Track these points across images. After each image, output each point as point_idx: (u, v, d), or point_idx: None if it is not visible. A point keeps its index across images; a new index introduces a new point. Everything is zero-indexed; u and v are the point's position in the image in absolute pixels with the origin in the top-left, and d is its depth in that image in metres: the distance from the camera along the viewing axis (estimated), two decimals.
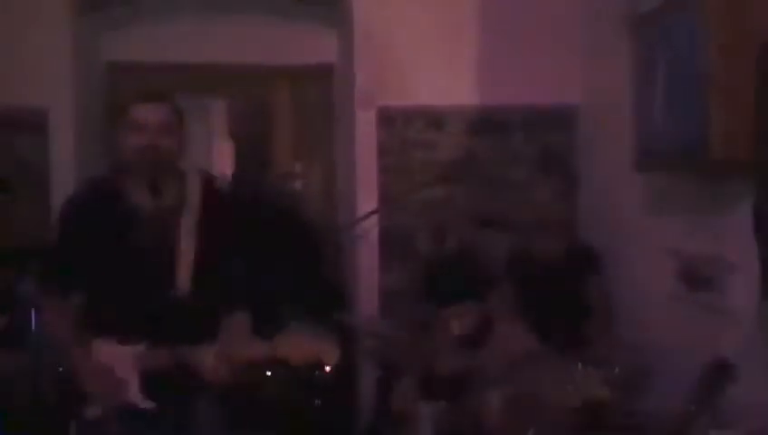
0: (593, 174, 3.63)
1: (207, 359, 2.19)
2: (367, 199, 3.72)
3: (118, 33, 3.93)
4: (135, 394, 2.20)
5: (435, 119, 3.78)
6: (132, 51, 3.89)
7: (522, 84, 3.72)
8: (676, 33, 2.48)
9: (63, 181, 3.42)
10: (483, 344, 2.58)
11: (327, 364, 2.13)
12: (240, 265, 2.32)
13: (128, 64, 3.89)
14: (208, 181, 2.36)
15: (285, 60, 4.00)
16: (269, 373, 2.60)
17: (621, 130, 3.03)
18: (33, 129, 3.56)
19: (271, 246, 2.88)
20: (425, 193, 3.72)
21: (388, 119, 3.76)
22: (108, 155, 3.63)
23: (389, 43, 3.72)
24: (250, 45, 3.94)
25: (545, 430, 2.33)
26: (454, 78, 3.74)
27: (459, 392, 2.49)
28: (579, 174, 3.69)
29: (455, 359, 2.60)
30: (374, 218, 3.66)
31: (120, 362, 2.20)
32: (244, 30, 3.94)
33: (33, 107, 3.56)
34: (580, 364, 2.25)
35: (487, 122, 3.77)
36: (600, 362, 2.31)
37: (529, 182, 3.59)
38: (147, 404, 2.20)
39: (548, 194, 3.22)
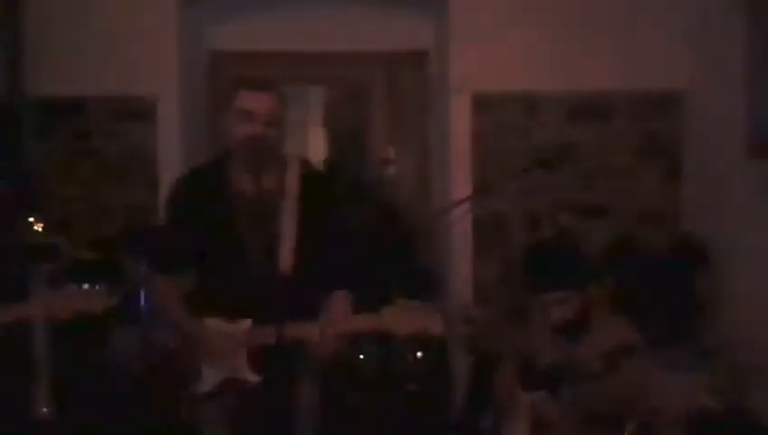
0: (700, 161, 3.49)
1: (313, 333, 2.24)
2: (461, 186, 3.72)
3: (220, 22, 4.05)
4: (242, 368, 2.29)
5: (532, 104, 3.73)
6: (233, 40, 4.00)
7: (625, 68, 3.63)
8: None
9: (171, 167, 3.57)
10: (582, 333, 2.53)
11: (432, 335, 2.15)
12: (338, 246, 2.36)
13: (230, 53, 4.00)
14: (306, 167, 2.42)
15: (381, 46, 4.03)
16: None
17: (733, 114, 2.91)
18: (143, 117, 3.72)
19: (363, 230, 2.92)
20: (520, 180, 3.68)
21: (483, 104, 3.74)
22: (212, 141, 3.76)
23: (486, 27, 3.69)
24: (347, 32, 3.98)
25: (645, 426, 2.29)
26: (552, 62, 3.68)
27: (558, 383, 2.46)
28: (684, 162, 3.56)
29: (554, 348, 2.57)
30: (468, 205, 3.66)
31: (227, 339, 2.29)
32: (340, 17, 3.98)
33: (142, 96, 3.73)
34: (685, 365, 2.19)
35: (587, 108, 3.69)
36: (704, 357, 2.24)
37: (631, 170, 3.49)
38: (253, 378, 2.28)
39: (651, 182, 3.12)
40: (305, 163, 2.45)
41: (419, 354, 3.46)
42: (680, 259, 2.96)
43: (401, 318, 2.19)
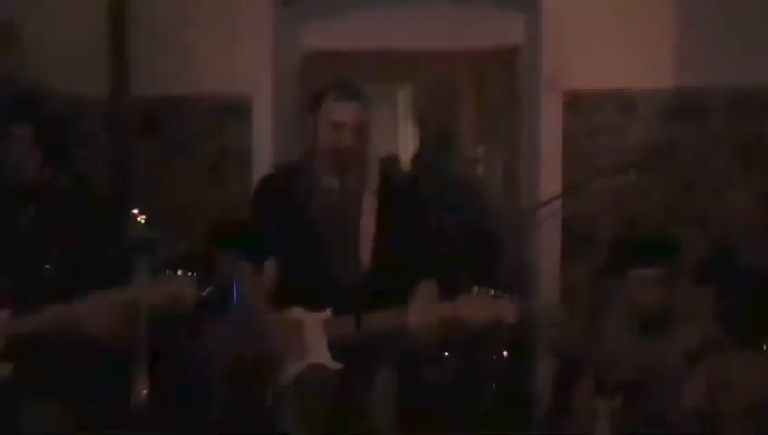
0: None
1: (403, 320, 2.26)
2: (550, 185, 3.66)
3: (312, 21, 4.12)
4: (324, 356, 2.36)
5: (625, 103, 3.62)
6: (325, 38, 4.06)
7: (724, 64, 3.46)
8: None
9: (263, 165, 3.67)
10: (668, 325, 2.43)
11: (508, 322, 2.14)
12: (419, 242, 2.38)
13: (321, 52, 4.07)
14: (389, 165, 2.48)
15: (471, 44, 4.00)
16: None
17: None
18: (238, 116, 3.84)
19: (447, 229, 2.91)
20: (612, 181, 3.58)
21: (574, 103, 3.66)
22: (303, 140, 3.84)
23: (578, 24, 3.60)
24: (436, 30, 3.98)
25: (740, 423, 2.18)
26: (646, 59, 3.56)
27: (639, 388, 2.40)
28: None
29: (635, 348, 2.49)
30: (557, 205, 3.59)
31: (309, 328, 2.35)
32: (430, 15, 3.98)
33: (237, 94, 3.84)
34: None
35: (684, 107, 3.55)
36: None
37: (732, 173, 3.33)
38: (334, 365, 2.34)
39: (753, 187, 2.97)
40: (388, 161, 2.51)
41: (505, 354, 3.43)
42: None
43: (476, 306, 2.20)
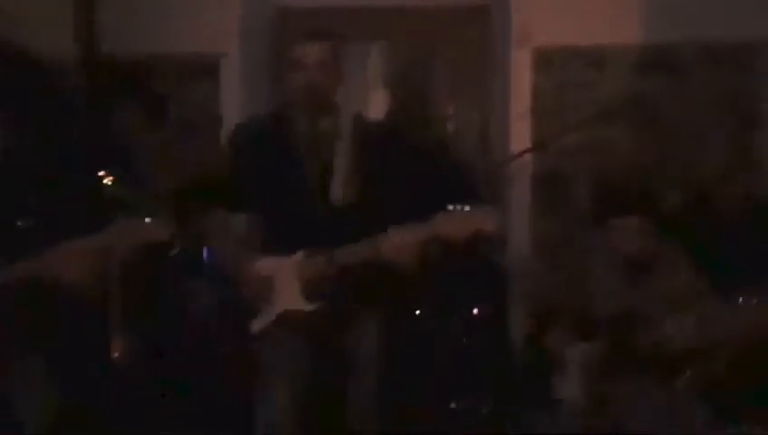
0: None
1: (376, 249, 2.26)
2: (520, 142, 3.68)
3: None
4: (297, 300, 2.36)
5: (595, 58, 3.64)
6: None
7: (696, 19, 3.49)
8: None
9: (234, 122, 3.62)
10: (648, 275, 2.48)
11: (487, 232, 2.14)
12: (391, 180, 2.41)
13: (295, 9, 4.02)
14: (361, 116, 2.51)
15: (443, 1, 3.99)
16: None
17: None
18: (208, 73, 3.80)
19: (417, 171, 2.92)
20: (583, 137, 3.62)
21: (544, 59, 3.67)
22: (275, 97, 3.82)
23: None
24: None
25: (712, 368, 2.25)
26: (617, 14, 3.57)
27: (619, 331, 2.44)
28: (760, 115, 3.43)
29: (616, 292, 2.54)
30: (527, 160, 3.62)
31: (281, 272, 2.36)
32: None
33: (206, 53, 3.80)
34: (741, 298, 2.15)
35: (655, 62, 3.58)
36: None
37: (705, 125, 3.37)
38: (308, 307, 2.35)
39: (726, 138, 3.02)
40: (359, 114, 2.52)
41: (475, 311, 3.48)
42: (754, 221, 2.86)
43: (454, 222, 2.19)
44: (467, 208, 2.19)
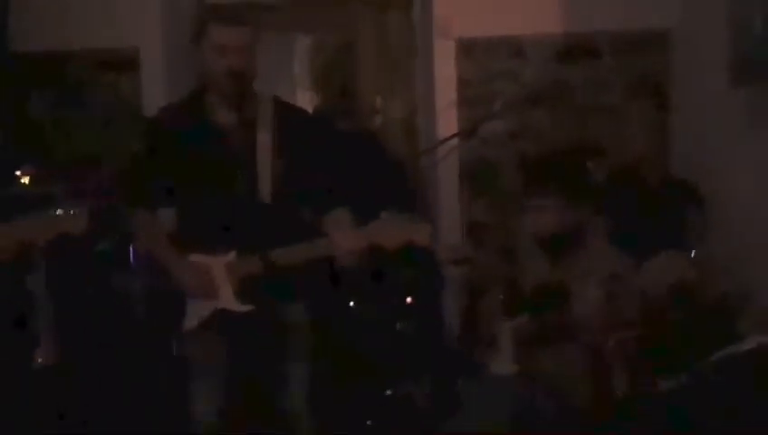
0: (687, 96, 3.52)
1: (316, 252, 2.24)
2: (447, 132, 3.73)
3: None
4: (230, 300, 2.31)
5: (517, 48, 3.73)
6: None
7: (611, 9, 3.62)
8: None
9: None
10: (569, 252, 2.57)
11: (420, 243, 2.17)
12: (319, 169, 2.38)
13: (215, 2, 3.95)
14: (281, 102, 2.45)
15: None
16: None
17: (718, 47, 2.93)
18: (128, 66, 3.70)
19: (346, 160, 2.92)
20: (508, 124, 3.70)
21: (468, 49, 3.73)
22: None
23: None
24: None
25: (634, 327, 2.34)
26: (538, 5, 3.67)
27: (542, 306, 2.51)
28: (673, 98, 3.58)
29: (537, 273, 2.61)
30: (453, 148, 3.67)
31: (211, 272, 2.30)
32: None
33: (125, 47, 3.70)
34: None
35: (573, 49, 3.69)
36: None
37: (621, 109, 3.51)
38: (241, 308, 2.30)
39: (641, 120, 3.15)
40: (279, 99, 2.47)
41: (409, 300, 3.51)
42: (673, 200, 3.00)
43: (388, 230, 2.20)
44: (401, 217, 2.20)
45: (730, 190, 3.07)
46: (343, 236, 2.26)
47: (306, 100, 4.38)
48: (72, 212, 2.14)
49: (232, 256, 2.32)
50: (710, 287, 2.40)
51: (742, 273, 2.73)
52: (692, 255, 2.40)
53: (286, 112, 2.42)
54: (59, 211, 2.14)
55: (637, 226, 2.85)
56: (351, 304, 3.40)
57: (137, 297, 2.93)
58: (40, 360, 2.99)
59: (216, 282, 2.32)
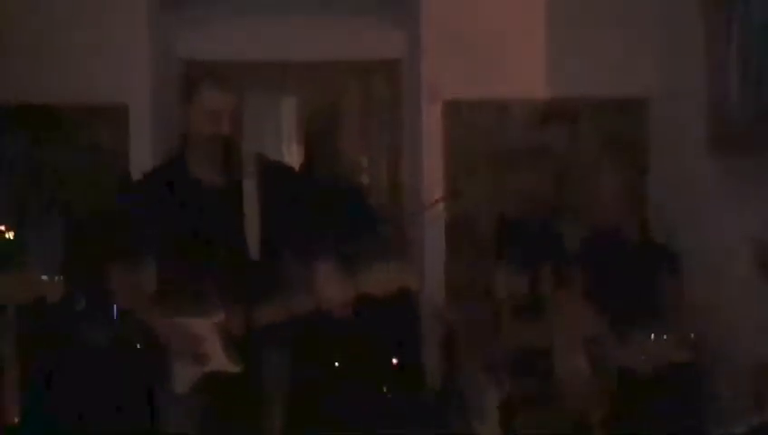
0: (665, 161, 3.58)
1: (281, 313, 2.22)
2: (433, 192, 3.76)
3: (193, 31, 4.07)
4: (222, 361, 2.27)
5: (502, 110, 3.79)
6: (206, 49, 4.02)
7: (591, 76, 3.72)
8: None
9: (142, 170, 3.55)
10: (541, 313, 2.56)
11: (411, 290, 2.15)
12: (303, 221, 2.38)
13: (202, 63, 4.01)
14: (264, 159, 2.46)
15: (354, 56, 4.08)
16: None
17: (695, 114, 3.00)
18: (116, 123, 3.72)
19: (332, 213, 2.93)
20: (492, 183, 3.73)
21: (455, 111, 3.79)
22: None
23: (457, 36, 3.76)
24: (319, 42, 4.04)
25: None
26: (521, 69, 3.75)
27: (524, 371, 2.49)
28: (650, 162, 3.64)
29: (517, 335, 2.60)
30: (440, 209, 3.69)
31: (202, 333, 2.27)
32: (313, 27, 4.04)
33: (114, 103, 3.73)
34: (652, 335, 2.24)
35: (556, 113, 3.76)
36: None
37: (599, 171, 3.56)
38: (234, 368, 2.27)
39: (619, 183, 3.20)
40: (263, 156, 2.48)
41: (395, 361, 3.48)
42: (649, 264, 3.02)
43: (379, 279, 2.20)
44: (391, 265, 2.21)
45: (705, 253, 3.10)
46: (332, 288, 2.25)
47: (293, 158, 4.40)
48: (50, 278, 2.13)
49: (221, 316, 2.29)
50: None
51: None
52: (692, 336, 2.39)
53: (271, 169, 2.43)
54: (42, 276, 2.13)
55: (613, 288, 2.86)
56: (336, 364, 3.36)
57: (117, 356, 2.87)
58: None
59: (206, 344, 2.28)
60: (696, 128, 3.03)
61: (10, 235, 3.46)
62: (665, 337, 2.35)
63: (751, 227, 2.77)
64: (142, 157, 3.66)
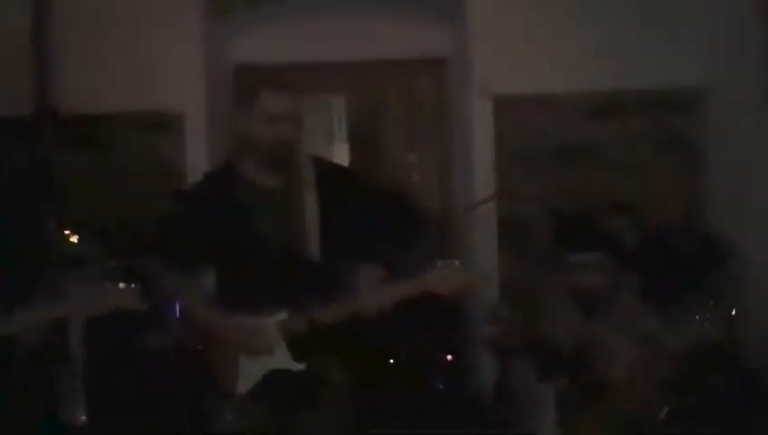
0: (724, 156, 3.48)
1: (366, 305, 2.26)
2: (484, 189, 3.74)
3: (243, 35, 4.13)
4: (285, 359, 2.31)
5: (553, 105, 3.75)
6: (256, 52, 4.06)
7: (645, 66, 3.65)
8: None
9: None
10: (606, 310, 2.53)
11: (474, 289, 2.15)
12: (360, 227, 2.39)
13: (253, 66, 4.07)
14: (322, 161, 2.48)
15: (402, 55, 4.08)
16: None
17: (752, 105, 2.91)
18: (172, 131, 3.80)
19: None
20: (545, 180, 3.69)
21: (505, 107, 3.76)
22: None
23: (505, 31, 3.73)
24: (367, 42, 4.05)
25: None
26: (571, 62, 3.70)
27: (579, 368, 2.48)
28: (706, 156, 3.56)
29: (573, 332, 2.58)
30: (492, 206, 3.67)
31: (264, 331, 2.31)
32: (361, 27, 4.05)
33: (170, 111, 3.81)
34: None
35: (608, 106, 3.69)
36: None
37: (655, 166, 3.49)
38: (297, 366, 2.30)
39: (675, 178, 3.14)
40: (319, 159, 2.50)
41: (449, 357, 3.48)
42: (705, 259, 2.96)
43: (443, 277, 2.22)
44: (455, 264, 2.23)
45: (763, 248, 3.02)
46: (382, 289, 2.28)
47: (343, 157, 4.43)
48: (129, 287, 2.20)
49: (283, 314, 2.33)
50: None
51: None
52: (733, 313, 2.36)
53: (329, 171, 2.45)
54: (120, 285, 2.19)
55: (669, 284, 2.81)
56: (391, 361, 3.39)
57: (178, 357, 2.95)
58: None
59: (268, 342, 2.32)
60: (754, 118, 2.94)
61: (74, 238, 3.57)
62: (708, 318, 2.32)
63: None
64: (199, 164, 3.73)
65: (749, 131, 3.03)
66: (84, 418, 2.99)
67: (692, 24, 3.60)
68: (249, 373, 2.34)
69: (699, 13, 3.58)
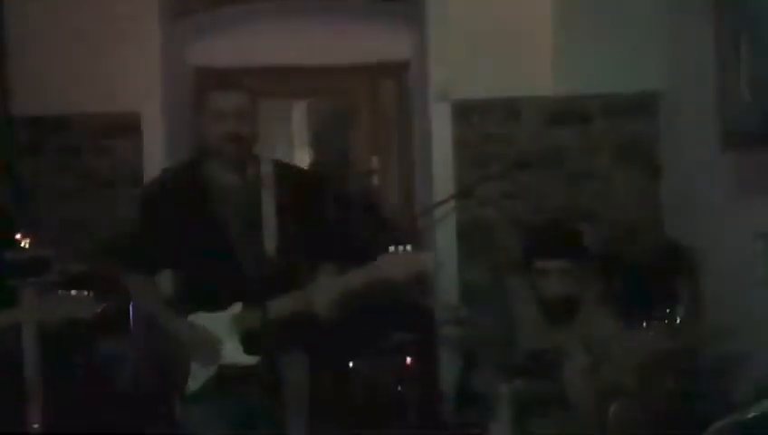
0: (678, 160, 3.56)
1: (316, 296, 2.26)
2: (443, 193, 3.77)
3: (203, 39, 4.11)
4: (237, 354, 2.31)
5: (511, 110, 3.79)
6: (216, 56, 4.05)
7: (600, 72, 3.70)
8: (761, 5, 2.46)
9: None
10: (574, 316, 2.57)
11: (427, 271, 2.13)
12: (318, 224, 2.43)
13: (213, 69, 4.05)
14: (281, 163, 2.52)
15: (363, 59, 4.10)
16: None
17: (706, 112, 2.99)
18: (129, 132, 3.77)
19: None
20: (503, 185, 3.74)
21: (464, 112, 3.80)
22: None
23: (464, 36, 3.76)
24: (328, 46, 4.06)
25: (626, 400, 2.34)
26: (529, 69, 3.74)
27: (539, 371, 2.51)
28: (662, 161, 3.63)
29: (534, 335, 2.61)
30: (450, 208, 3.70)
31: (217, 327, 2.32)
32: (321, 32, 4.06)
33: (127, 112, 3.78)
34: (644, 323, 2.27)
35: (566, 112, 3.75)
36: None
37: (612, 172, 3.55)
38: (249, 360, 2.30)
39: (632, 184, 3.20)
40: (279, 161, 2.53)
41: (408, 360, 3.49)
42: (666, 264, 3.02)
43: (396, 262, 2.20)
44: (409, 249, 2.21)
45: (720, 253, 3.09)
46: (330, 280, 2.30)
47: (304, 161, 4.42)
48: (83, 294, 2.17)
49: (237, 307, 2.33)
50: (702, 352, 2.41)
51: (735, 335, 2.74)
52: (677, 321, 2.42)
53: (287, 173, 2.48)
54: (72, 292, 2.16)
55: (630, 291, 2.86)
56: (351, 364, 3.39)
57: (131, 363, 2.91)
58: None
59: (221, 338, 2.32)
60: (708, 126, 3.02)
61: (26, 243, 3.50)
62: (677, 325, 2.37)
63: (765, 224, 2.77)
64: (156, 167, 3.69)
65: (704, 137, 3.10)
66: (37, 426, 2.93)
67: (648, 28, 3.67)
68: (199, 372, 2.34)
69: (656, 17, 3.65)
